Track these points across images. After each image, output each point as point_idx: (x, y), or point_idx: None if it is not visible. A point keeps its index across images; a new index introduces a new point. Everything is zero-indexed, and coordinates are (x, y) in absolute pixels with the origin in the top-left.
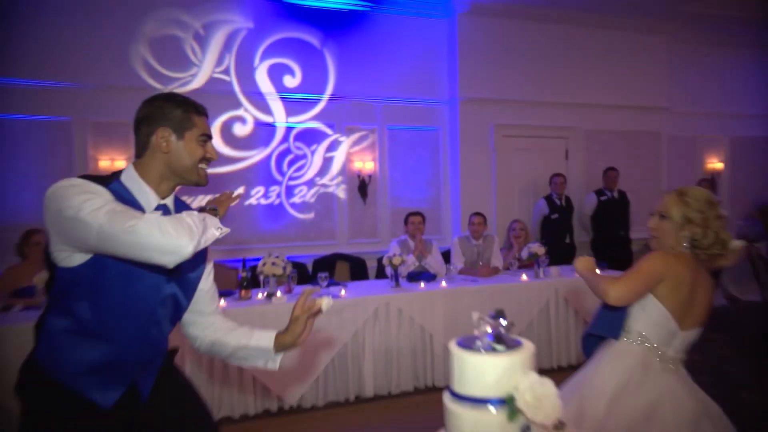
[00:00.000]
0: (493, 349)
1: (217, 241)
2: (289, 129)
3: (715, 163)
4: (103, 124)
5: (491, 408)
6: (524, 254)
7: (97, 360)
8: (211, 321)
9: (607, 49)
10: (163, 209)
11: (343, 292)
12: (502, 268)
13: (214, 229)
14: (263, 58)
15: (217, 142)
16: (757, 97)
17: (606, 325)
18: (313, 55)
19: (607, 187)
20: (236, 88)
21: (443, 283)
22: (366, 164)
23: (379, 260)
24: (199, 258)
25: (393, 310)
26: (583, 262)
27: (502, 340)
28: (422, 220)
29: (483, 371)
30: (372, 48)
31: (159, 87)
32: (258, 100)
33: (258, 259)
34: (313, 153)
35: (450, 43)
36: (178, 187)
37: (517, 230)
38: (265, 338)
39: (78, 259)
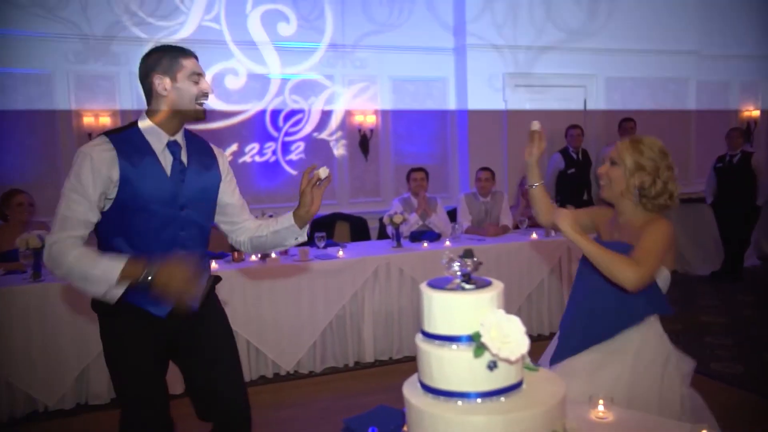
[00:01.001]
0: (462, 288)
1: None
2: (284, 81)
3: (752, 111)
4: (87, 76)
5: (458, 345)
6: None
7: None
8: (246, 226)
9: None
10: (173, 145)
11: (340, 252)
12: (511, 226)
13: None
14: (255, 3)
15: (209, 96)
16: None
17: (631, 312)
18: (308, 0)
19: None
20: (227, 37)
21: (447, 243)
22: (367, 118)
23: (381, 220)
24: (207, 187)
25: (394, 270)
26: (568, 219)
27: (471, 280)
28: (425, 176)
29: (451, 309)
30: None
31: (144, 36)
32: (251, 49)
33: None
34: (310, 106)
35: None
36: (185, 124)
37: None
38: (286, 219)
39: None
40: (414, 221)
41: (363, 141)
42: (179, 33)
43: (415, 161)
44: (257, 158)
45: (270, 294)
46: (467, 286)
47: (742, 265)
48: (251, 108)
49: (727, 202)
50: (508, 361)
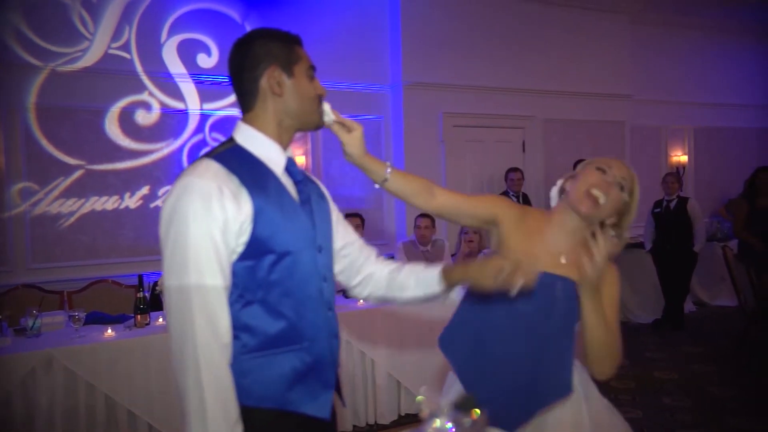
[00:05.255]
0: None
1: (109, 252)
2: (204, 117)
3: (680, 156)
4: None
5: None
6: None
7: (297, 368)
8: (376, 265)
9: (566, 30)
10: (291, 164)
11: None
12: None
13: None
14: (172, 32)
15: (116, 133)
16: (723, 85)
17: (562, 383)
18: (232, 30)
19: None
20: (138, 67)
21: None
22: (296, 159)
23: None
24: (328, 221)
25: None
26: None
27: None
28: (360, 222)
29: None
30: (303, 24)
31: (38, 64)
32: (166, 82)
33: (160, 274)
34: None
35: (392, 19)
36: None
37: (470, 234)
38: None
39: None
40: None
41: None
42: (81, 61)
43: (348, 205)
44: None
45: None
46: None
47: (683, 313)
48: (166, 147)
49: (666, 248)
50: None
